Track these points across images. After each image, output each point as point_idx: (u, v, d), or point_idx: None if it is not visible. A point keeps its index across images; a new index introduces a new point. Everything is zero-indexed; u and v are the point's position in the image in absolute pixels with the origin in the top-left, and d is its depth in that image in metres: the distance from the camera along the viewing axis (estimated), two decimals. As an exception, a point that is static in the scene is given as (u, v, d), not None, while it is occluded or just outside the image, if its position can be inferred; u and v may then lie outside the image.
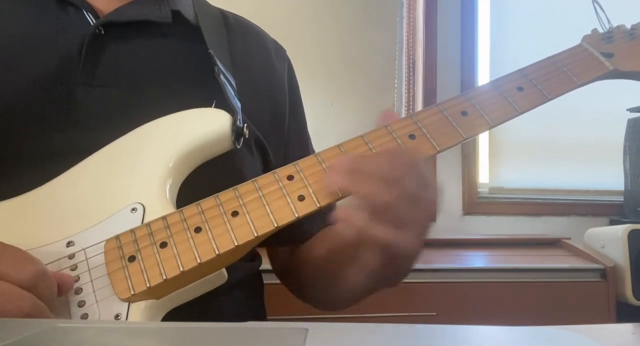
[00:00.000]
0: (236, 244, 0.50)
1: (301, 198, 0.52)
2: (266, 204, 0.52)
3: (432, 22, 1.83)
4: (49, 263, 0.50)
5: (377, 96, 1.80)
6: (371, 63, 1.80)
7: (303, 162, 0.54)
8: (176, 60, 0.67)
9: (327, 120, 1.68)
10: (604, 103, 1.78)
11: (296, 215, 0.51)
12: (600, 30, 0.68)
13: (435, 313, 1.17)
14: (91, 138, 0.58)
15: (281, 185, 0.53)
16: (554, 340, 0.32)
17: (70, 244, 0.51)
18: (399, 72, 1.85)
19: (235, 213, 0.51)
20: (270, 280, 0.76)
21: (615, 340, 0.40)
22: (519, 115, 0.59)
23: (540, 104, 0.60)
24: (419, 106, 1.84)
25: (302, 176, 0.53)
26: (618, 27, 0.68)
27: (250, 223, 0.51)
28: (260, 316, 0.72)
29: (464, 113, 0.58)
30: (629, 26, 0.68)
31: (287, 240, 0.72)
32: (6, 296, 0.42)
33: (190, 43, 0.67)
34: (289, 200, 0.52)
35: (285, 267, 0.76)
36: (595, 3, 0.68)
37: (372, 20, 1.82)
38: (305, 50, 1.72)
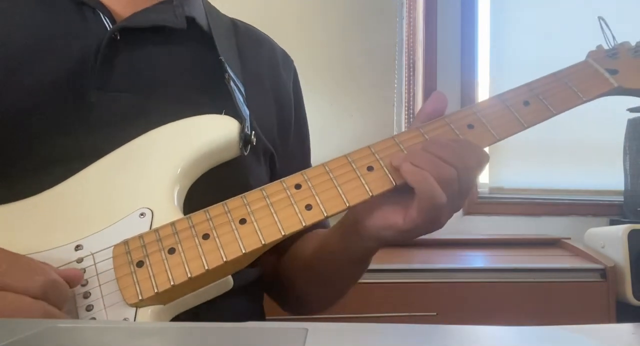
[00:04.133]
0: (244, 252, 0.50)
1: (309, 207, 0.52)
2: (274, 212, 0.52)
3: (432, 22, 1.83)
4: (57, 267, 0.50)
5: (377, 96, 1.80)
6: (371, 63, 1.80)
7: (310, 172, 0.55)
8: (189, 67, 0.67)
9: (327, 121, 1.68)
10: (604, 103, 1.77)
11: (303, 224, 0.51)
12: (605, 47, 0.68)
13: (435, 313, 1.17)
14: (102, 142, 0.58)
15: (289, 193, 0.53)
16: (554, 340, 0.32)
17: (79, 248, 0.51)
18: (399, 72, 1.85)
19: (243, 221, 0.51)
20: (270, 280, 0.76)
21: (615, 340, 0.40)
22: (524, 129, 0.59)
23: (546, 119, 0.60)
24: (419, 106, 1.84)
25: (310, 185, 0.54)
26: (622, 44, 0.68)
27: (258, 232, 0.51)
28: (260, 320, 0.72)
29: (470, 127, 0.58)
30: (633, 43, 0.69)
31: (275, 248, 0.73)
32: (16, 307, 0.42)
33: (203, 49, 0.67)
34: (297, 210, 0.52)
35: (273, 276, 0.76)
36: (601, 20, 0.68)
37: (372, 20, 1.82)
38: (305, 50, 1.72)
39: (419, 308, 1.16)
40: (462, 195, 0.54)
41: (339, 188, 0.53)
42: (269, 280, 0.76)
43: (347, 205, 0.53)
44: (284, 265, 0.74)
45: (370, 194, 0.53)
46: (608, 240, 1.33)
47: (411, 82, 1.87)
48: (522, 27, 1.91)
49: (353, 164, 0.55)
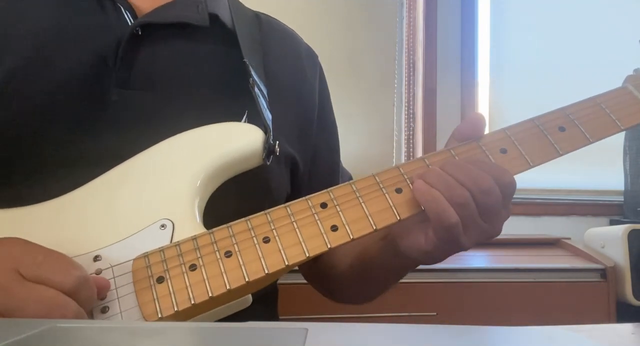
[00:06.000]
0: (267, 272, 0.49)
1: (334, 228, 0.51)
2: (299, 232, 0.51)
3: (432, 22, 1.83)
4: None
5: (377, 96, 1.80)
6: (371, 63, 1.80)
7: (337, 190, 0.53)
8: (211, 66, 0.65)
9: (327, 120, 1.68)
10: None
11: (329, 246, 0.50)
12: None
13: (435, 313, 1.16)
14: (122, 143, 0.56)
15: (314, 212, 0.52)
16: (554, 340, 0.32)
17: (97, 259, 0.50)
18: (399, 72, 1.85)
19: (266, 240, 0.50)
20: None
21: (615, 340, 0.40)
22: (559, 156, 0.57)
23: (582, 146, 0.57)
24: (419, 106, 1.84)
25: (336, 204, 0.52)
26: None
27: (282, 251, 0.50)
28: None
29: (503, 151, 0.56)
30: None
31: None
32: (51, 303, 0.41)
33: (226, 48, 0.66)
34: (322, 230, 0.51)
35: (315, 277, 0.77)
36: None
37: (372, 20, 1.82)
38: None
39: (419, 308, 1.16)
40: (490, 219, 0.52)
41: (366, 210, 0.52)
42: (309, 277, 0.77)
43: (374, 228, 0.51)
44: (321, 266, 0.73)
45: (398, 218, 0.52)
46: (608, 240, 1.33)
47: (411, 82, 1.87)
48: (522, 27, 1.91)
49: (381, 185, 0.53)
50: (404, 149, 1.83)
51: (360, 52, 1.80)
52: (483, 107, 1.86)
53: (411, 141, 1.84)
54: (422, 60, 1.84)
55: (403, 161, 1.83)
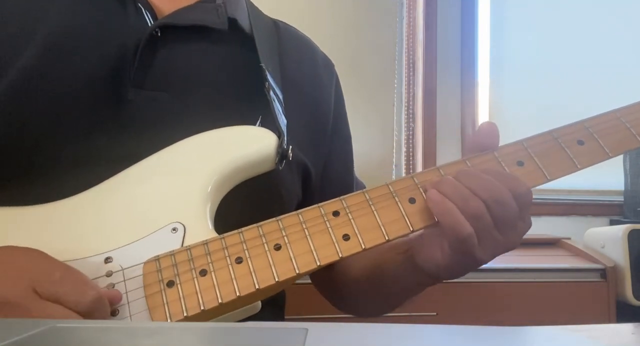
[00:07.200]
0: (277, 280, 0.48)
1: (346, 237, 0.51)
2: (310, 241, 0.50)
3: (432, 22, 1.83)
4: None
5: (377, 96, 1.80)
6: (371, 63, 1.80)
7: (350, 199, 0.53)
8: (228, 70, 0.65)
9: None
10: (604, 103, 1.78)
11: (340, 255, 0.50)
12: None
13: (435, 313, 1.16)
14: (137, 144, 0.57)
15: (325, 219, 0.51)
16: (554, 340, 0.32)
17: (109, 260, 0.50)
18: (399, 72, 1.85)
19: (278, 247, 0.50)
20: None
21: (615, 340, 0.40)
22: (577, 171, 0.56)
23: (600, 160, 0.57)
24: (419, 106, 1.84)
25: (348, 212, 0.52)
26: None
27: (293, 259, 0.49)
28: None
29: (520, 163, 0.55)
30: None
31: None
32: None
33: (243, 52, 0.66)
34: (334, 239, 0.50)
35: (324, 283, 0.76)
36: None
37: (372, 20, 1.82)
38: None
39: (419, 308, 1.16)
40: (505, 231, 0.51)
41: (378, 220, 0.51)
42: (319, 284, 0.76)
43: (387, 238, 0.51)
44: (334, 274, 0.72)
45: (411, 228, 0.51)
46: (608, 240, 1.33)
47: (411, 82, 1.87)
48: (522, 27, 1.91)
49: (394, 194, 0.53)
50: (403, 149, 1.83)
51: (360, 52, 1.79)
52: (483, 107, 1.86)
53: (411, 141, 1.84)
54: (422, 60, 1.84)
55: (403, 161, 1.83)
